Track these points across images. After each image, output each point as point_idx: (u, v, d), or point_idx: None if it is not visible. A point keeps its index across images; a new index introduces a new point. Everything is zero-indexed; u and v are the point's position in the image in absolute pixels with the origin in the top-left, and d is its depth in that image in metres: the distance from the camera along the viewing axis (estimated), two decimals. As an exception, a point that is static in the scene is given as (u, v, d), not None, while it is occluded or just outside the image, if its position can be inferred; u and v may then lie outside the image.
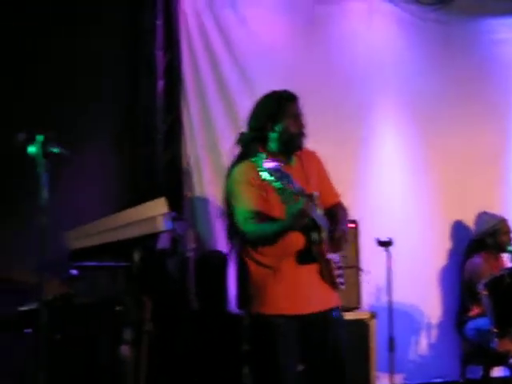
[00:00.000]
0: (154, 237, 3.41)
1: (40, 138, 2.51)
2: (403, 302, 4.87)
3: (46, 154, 2.54)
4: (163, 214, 2.80)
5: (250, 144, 3.02)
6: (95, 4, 4.53)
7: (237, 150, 3.07)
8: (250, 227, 2.89)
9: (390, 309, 4.43)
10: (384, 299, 4.56)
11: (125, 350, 4.03)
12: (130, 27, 4.68)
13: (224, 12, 4.90)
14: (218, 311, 4.38)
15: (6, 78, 4.22)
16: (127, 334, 2.92)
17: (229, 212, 3.03)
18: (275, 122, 3.01)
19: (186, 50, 4.81)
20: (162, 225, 2.79)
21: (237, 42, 4.89)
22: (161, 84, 4.71)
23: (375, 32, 5.22)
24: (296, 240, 2.92)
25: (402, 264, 4.65)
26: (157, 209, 2.80)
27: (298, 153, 3.09)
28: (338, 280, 3.02)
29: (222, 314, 4.38)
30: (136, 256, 2.96)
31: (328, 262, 2.97)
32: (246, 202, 2.92)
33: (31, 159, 2.57)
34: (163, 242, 4.18)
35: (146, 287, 3.77)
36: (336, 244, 3.00)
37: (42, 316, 2.38)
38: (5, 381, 4.03)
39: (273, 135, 3.02)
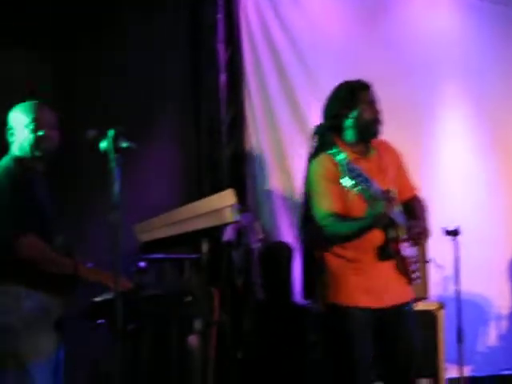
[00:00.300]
0: (219, 229, 3.45)
1: (111, 132, 2.57)
2: (472, 292, 4.79)
3: (117, 149, 2.59)
4: (231, 206, 2.83)
5: (326, 134, 3.07)
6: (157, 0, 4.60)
7: (314, 141, 3.13)
8: (329, 225, 2.94)
9: (458, 299, 4.36)
10: (452, 289, 4.49)
11: (193, 340, 4.11)
12: (192, 22, 4.74)
13: (284, 3, 4.90)
14: (283, 302, 4.40)
15: (74, 74, 4.32)
16: (197, 325, 2.97)
17: (306, 204, 3.08)
18: (349, 109, 3.03)
19: (247, 42, 4.84)
20: (230, 216, 2.82)
21: (298, 34, 4.88)
22: (223, 77, 4.75)
23: (440, 16, 5.11)
24: (374, 236, 2.94)
25: (471, 253, 4.57)
26: (225, 200, 2.84)
27: (377, 145, 3.10)
28: (414, 275, 3.04)
29: (287, 304, 4.40)
30: (204, 247, 3.00)
31: (404, 258, 3.00)
32: (326, 201, 2.96)
33: (102, 155, 2.64)
34: (229, 234, 4.23)
35: (213, 279, 3.83)
36: (415, 240, 3.02)
37: (117, 307, 2.44)
38: (80, 370, 4.16)
39: (348, 123, 3.04)
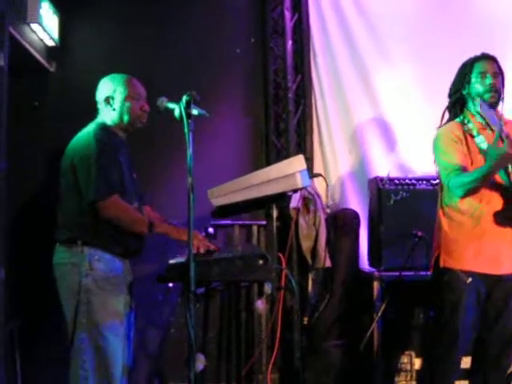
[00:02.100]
0: (288, 195, 3.46)
1: (186, 98, 2.60)
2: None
3: (189, 115, 2.63)
4: (301, 171, 2.84)
5: (452, 109, 3.26)
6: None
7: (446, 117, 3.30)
8: (454, 177, 3.06)
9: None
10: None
11: (260, 304, 4.17)
12: (258, -12, 4.73)
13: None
14: (349, 269, 4.40)
15: (147, 44, 4.40)
16: (267, 289, 3.01)
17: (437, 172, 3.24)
18: (465, 83, 3.19)
19: (314, 8, 4.78)
20: (301, 181, 2.82)
21: (366, 1, 4.77)
22: (289, 44, 4.72)
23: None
24: (495, 201, 3.05)
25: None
26: (295, 166, 2.84)
27: (506, 121, 3.15)
28: None
29: (353, 271, 4.40)
30: (274, 213, 3.03)
31: None
32: (450, 157, 3.11)
33: (175, 121, 2.68)
34: (296, 200, 4.25)
35: (280, 244, 3.86)
36: None
37: (191, 269, 2.50)
38: (153, 332, 4.29)
39: (466, 96, 3.19)
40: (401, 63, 4.72)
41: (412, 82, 4.71)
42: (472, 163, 3.10)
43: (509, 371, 3.20)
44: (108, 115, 3.13)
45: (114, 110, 3.11)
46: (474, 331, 3.10)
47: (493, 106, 3.15)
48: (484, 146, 3.03)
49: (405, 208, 4.10)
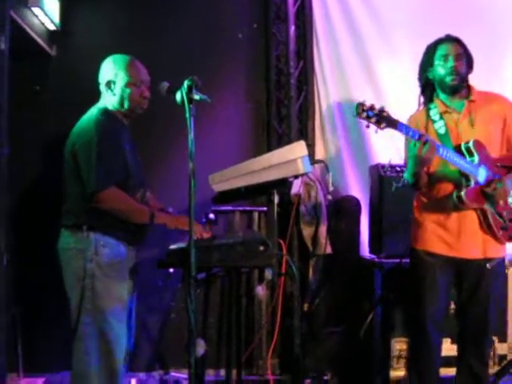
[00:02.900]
0: (289, 181, 3.46)
1: (188, 83, 2.59)
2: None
3: (191, 100, 2.62)
4: (303, 157, 2.83)
5: (423, 93, 3.25)
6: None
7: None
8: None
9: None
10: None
11: (261, 290, 4.19)
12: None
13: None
14: (350, 256, 4.41)
15: (149, 29, 4.41)
16: (268, 275, 3.01)
17: None
18: (428, 66, 3.07)
19: (317, -7, 4.76)
20: (303, 167, 2.82)
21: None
22: (292, 29, 4.70)
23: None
24: (453, 188, 3.06)
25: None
26: (297, 152, 2.83)
27: (478, 97, 3.13)
28: (500, 233, 3.04)
29: (354, 258, 4.41)
30: (275, 199, 3.03)
31: (484, 212, 3.04)
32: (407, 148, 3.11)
33: (176, 106, 2.67)
34: (297, 187, 4.25)
35: (281, 231, 3.86)
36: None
37: (191, 255, 2.50)
38: (154, 317, 4.30)
39: (431, 78, 3.16)
40: (404, 51, 4.69)
41: (415, 70, 4.65)
42: None
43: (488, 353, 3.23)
44: (109, 99, 3.11)
45: (114, 94, 3.09)
46: (445, 312, 3.11)
47: (455, 89, 3.10)
48: (442, 130, 3.02)
49: (406, 195, 4.06)
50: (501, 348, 4.16)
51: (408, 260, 3.85)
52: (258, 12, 4.70)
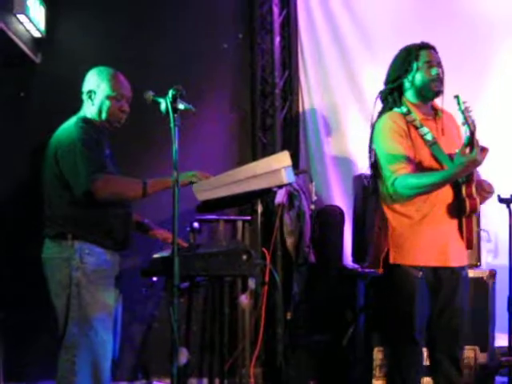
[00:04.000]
0: (273, 191, 3.48)
1: (172, 92, 2.60)
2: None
3: (175, 110, 2.62)
4: (287, 167, 2.84)
5: (389, 96, 3.10)
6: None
7: (378, 108, 3.15)
8: (405, 179, 2.91)
9: (511, 268, 4.30)
10: (504, 258, 4.43)
11: (244, 299, 4.18)
12: (246, -16, 4.72)
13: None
14: (333, 265, 4.43)
15: (134, 38, 4.42)
16: (251, 284, 3.02)
17: (374, 164, 3.12)
18: (409, 70, 3.04)
19: (302, 5, 4.79)
20: (286, 177, 2.83)
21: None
22: (277, 40, 4.73)
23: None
24: (446, 193, 2.97)
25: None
26: (280, 161, 2.83)
27: (442, 111, 3.11)
28: (474, 240, 3.08)
29: (337, 267, 4.43)
30: (259, 208, 3.04)
31: (470, 220, 3.02)
32: (396, 153, 2.95)
33: (161, 115, 2.68)
34: (281, 196, 4.26)
35: (265, 240, 3.87)
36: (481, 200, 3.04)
37: (175, 264, 2.50)
38: (136, 325, 4.29)
39: (407, 83, 3.08)
40: (388, 60, 4.72)
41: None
42: (415, 157, 2.97)
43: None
44: (88, 109, 3.12)
45: (93, 104, 3.10)
46: (426, 322, 3.10)
47: (436, 95, 3.07)
48: (429, 137, 2.96)
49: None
50: (482, 357, 4.19)
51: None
52: (244, 22, 4.73)
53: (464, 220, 3.01)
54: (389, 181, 2.98)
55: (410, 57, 3.08)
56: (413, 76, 3.06)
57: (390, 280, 3.09)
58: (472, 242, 3.06)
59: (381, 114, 3.12)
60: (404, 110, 2.98)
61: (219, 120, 4.58)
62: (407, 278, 3.01)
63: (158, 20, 4.49)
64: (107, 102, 3.08)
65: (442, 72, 3.07)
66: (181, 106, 2.65)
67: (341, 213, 4.47)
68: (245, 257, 2.74)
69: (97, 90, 3.09)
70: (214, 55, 4.60)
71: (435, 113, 3.11)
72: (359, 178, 4.27)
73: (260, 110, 4.69)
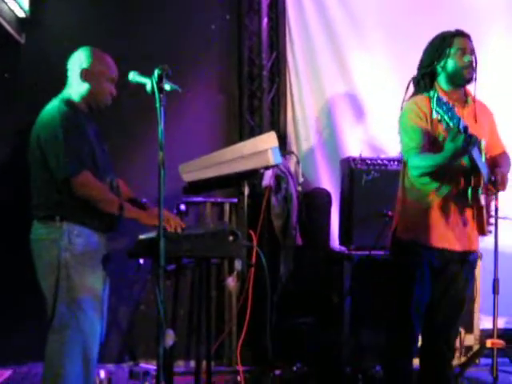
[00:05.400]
0: (260, 172, 3.47)
1: (158, 72, 2.57)
2: (509, 244, 4.74)
3: (161, 90, 2.59)
4: (273, 148, 2.83)
5: (421, 81, 3.16)
6: None
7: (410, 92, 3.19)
8: (411, 157, 3.03)
9: (496, 250, 4.33)
10: (490, 241, 4.45)
11: (231, 281, 4.19)
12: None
13: None
14: (320, 247, 4.44)
15: (119, 17, 4.38)
16: (237, 265, 3.02)
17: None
18: (442, 56, 3.11)
19: (290, -15, 4.76)
20: (273, 158, 2.81)
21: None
22: (265, 21, 4.69)
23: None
24: (456, 181, 3.03)
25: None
26: (267, 142, 2.83)
27: (475, 99, 3.16)
28: (488, 227, 3.13)
29: (324, 250, 4.44)
30: (245, 191, 3.02)
31: (481, 208, 3.07)
32: (413, 134, 3.04)
33: (147, 96, 2.65)
34: (268, 178, 4.25)
35: (252, 222, 3.87)
36: (494, 186, 3.10)
37: (161, 245, 2.48)
38: (123, 308, 4.28)
39: (439, 69, 3.12)
40: (376, 44, 4.74)
41: (387, 63, 4.72)
42: (435, 142, 3.05)
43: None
44: (78, 88, 3.07)
45: (86, 83, 3.05)
46: (424, 305, 3.13)
47: (467, 82, 3.14)
48: (451, 123, 3.03)
49: (376, 188, 4.13)
50: (468, 339, 4.23)
51: (378, 252, 3.89)
52: (231, 3, 4.69)
53: (476, 208, 3.06)
54: (405, 160, 3.11)
55: (444, 43, 3.12)
56: (445, 62, 3.10)
57: (395, 255, 3.19)
58: (484, 228, 3.11)
59: (410, 98, 3.18)
60: (432, 93, 2.94)
61: (206, 102, 4.55)
62: (410, 254, 3.08)
63: (145, 1, 4.45)
64: (103, 84, 3.05)
65: (476, 60, 3.11)
66: (167, 87, 2.61)
67: (328, 195, 4.47)
68: (231, 238, 2.73)
69: (92, 68, 3.05)
70: (202, 36, 4.56)
71: (466, 100, 3.14)
72: (346, 161, 4.27)
73: (247, 91, 4.66)
